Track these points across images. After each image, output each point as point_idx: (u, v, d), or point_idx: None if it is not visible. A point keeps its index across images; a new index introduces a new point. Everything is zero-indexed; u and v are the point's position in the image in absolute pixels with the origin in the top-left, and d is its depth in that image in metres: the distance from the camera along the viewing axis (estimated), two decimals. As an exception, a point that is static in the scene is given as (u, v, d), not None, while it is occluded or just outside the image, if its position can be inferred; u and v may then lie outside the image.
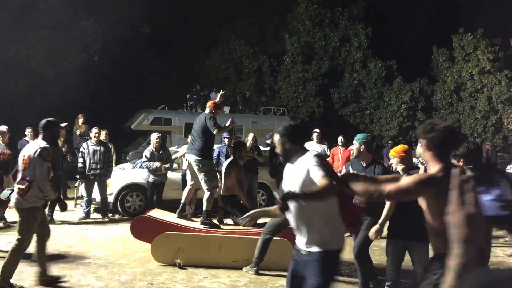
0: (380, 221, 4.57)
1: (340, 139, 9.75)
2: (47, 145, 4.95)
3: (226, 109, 20.76)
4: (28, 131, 9.66)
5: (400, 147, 4.75)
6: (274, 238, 5.65)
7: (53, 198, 5.14)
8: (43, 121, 5.13)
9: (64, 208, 5.48)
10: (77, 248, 6.82)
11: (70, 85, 19.45)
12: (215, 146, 10.36)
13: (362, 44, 24.30)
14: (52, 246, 6.81)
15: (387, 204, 4.48)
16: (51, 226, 8.24)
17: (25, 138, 9.67)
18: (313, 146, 10.63)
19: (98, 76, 20.54)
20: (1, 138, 8.46)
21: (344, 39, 24.64)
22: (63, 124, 9.80)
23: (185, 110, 19.74)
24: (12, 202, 5.05)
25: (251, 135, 10.52)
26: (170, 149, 10.47)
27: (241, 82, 25.93)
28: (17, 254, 4.90)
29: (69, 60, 19.29)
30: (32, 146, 5.01)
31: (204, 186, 6.43)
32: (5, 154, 8.40)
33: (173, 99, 20.85)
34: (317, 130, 11.01)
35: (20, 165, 4.98)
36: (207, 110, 6.61)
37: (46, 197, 4.97)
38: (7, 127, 8.70)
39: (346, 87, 24.61)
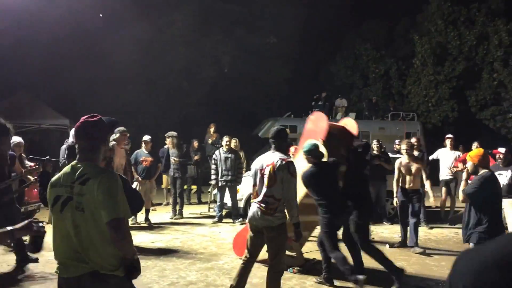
0: None
1: (475, 145, 9.05)
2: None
3: (352, 115, 20.46)
4: (168, 140, 10.54)
5: (476, 151, 4.89)
6: None
7: None
8: (273, 130, 4.81)
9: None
10: (212, 249, 7.26)
11: (203, 96, 20.85)
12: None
13: (503, 42, 22.18)
14: (190, 247, 7.37)
15: None
16: (189, 228, 8.92)
17: (165, 146, 10.60)
18: (446, 153, 10.00)
19: (228, 87, 21.70)
20: (145, 146, 9.40)
21: (482, 37, 22.74)
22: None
23: (310, 117, 19.88)
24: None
25: (374, 142, 10.26)
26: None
27: (367, 87, 25.36)
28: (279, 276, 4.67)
29: (202, 73, 20.71)
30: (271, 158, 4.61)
31: None
32: (147, 161, 9.32)
33: (299, 106, 21.13)
34: (450, 135, 10.30)
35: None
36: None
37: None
38: (150, 137, 9.64)
39: (484, 88, 22.67)
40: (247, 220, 4.76)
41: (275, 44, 23.45)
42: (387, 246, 7.55)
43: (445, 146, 10.16)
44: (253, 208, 4.58)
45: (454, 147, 10.22)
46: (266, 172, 4.52)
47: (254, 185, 4.69)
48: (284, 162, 4.48)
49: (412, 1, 24.56)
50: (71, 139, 9.20)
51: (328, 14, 24.11)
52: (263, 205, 4.49)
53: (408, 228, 7.54)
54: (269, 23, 22.83)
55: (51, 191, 2.61)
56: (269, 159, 4.59)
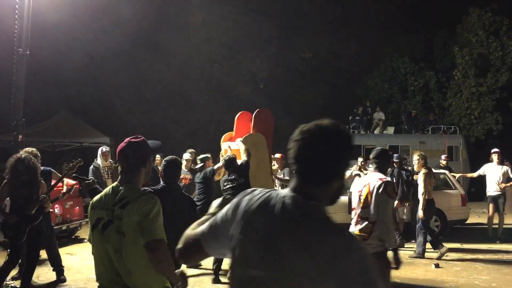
0: None
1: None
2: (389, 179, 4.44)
3: (391, 130, 20.05)
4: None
5: None
6: None
7: None
8: (377, 150, 4.53)
9: None
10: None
11: (239, 113, 20.89)
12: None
13: (548, 51, 21.40)
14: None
15: None
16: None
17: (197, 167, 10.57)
18: (494, 168, 9.56)
19: (264, 103, 21.68)
20: (185, 164, 9.37)
21: (526, 47, 22.01)
22: None
23: (348, 132, 19.60)
24: None
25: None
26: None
27: (406, 100, 24.84)
28: None
29: (238, 90, 20.82)
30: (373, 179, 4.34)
31: None
32: (187, 179, 9.31)
33: (336, 120, 20.87)
34: (496, 149, 9.87)
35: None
36: None
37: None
38: (190, 154, 9.62)
39: (530, 99, 21.84)
40: None
41: (310, 59, 23.39)
42: (433, 266, 7.23)
43: (491, 161, 9.74)
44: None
45: (501, 162, 9.79)
46: (363, 192, 4.28)
47: (354, 208, 4.37)
48: (381, 182, 4.21)
49: (450, 13, 24.03)
50: (99, 159, 9.35)
51: (364, 28, 23.89)
52: (356, 229, 4.20)
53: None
54: (304, 38, 22.80)
55: (92, 212, 2.58)
56: (367, 179, 4.38)
